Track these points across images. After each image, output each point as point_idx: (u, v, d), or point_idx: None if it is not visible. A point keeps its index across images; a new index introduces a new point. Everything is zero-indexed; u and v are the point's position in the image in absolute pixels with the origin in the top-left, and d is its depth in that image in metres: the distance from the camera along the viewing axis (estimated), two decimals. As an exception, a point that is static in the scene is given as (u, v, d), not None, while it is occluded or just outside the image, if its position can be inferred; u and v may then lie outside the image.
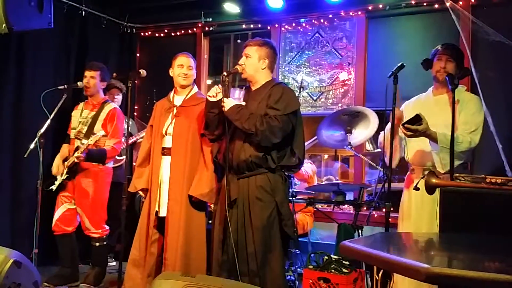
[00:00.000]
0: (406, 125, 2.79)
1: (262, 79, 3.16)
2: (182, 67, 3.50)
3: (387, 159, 2.90)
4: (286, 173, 3.17)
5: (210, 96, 3.09)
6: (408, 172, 3.21)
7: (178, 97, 3.56)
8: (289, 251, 3.83)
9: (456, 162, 2.88)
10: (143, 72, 3.57)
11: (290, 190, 3.72)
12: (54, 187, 4.03)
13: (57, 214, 4.10)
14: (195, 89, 3.62)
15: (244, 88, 3.24)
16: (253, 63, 3.13)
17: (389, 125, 3.05)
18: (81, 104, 4.31)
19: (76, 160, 3.91)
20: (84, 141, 3.94)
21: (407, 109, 3.17)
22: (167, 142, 3.47)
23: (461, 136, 2.88)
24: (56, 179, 4.05)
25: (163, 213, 3.41)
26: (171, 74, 3.57)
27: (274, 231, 3.00)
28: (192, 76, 3.55)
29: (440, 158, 2.86)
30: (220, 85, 3.07)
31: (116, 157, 4.42)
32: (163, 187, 3.43)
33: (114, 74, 3.53)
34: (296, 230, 3.85)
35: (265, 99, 3.06)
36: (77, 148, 3.95)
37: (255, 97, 3.12)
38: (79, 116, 4.21)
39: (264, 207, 2.99)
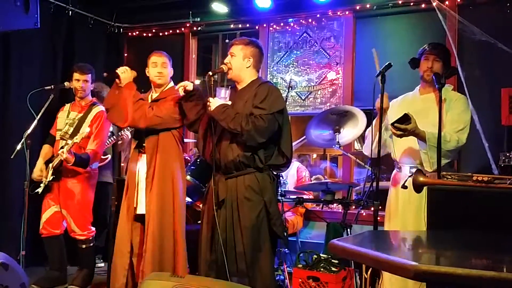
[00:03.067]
0: (395, 125, 2.80)
1: (247, 78, 3.15)
2: (156, 66, 3.46)
3: (367, 150, 2.94)
4: (275, 173, 3.17)
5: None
6: (395, 170, 3.23)
7: (155, 95, 3.52)
8: (278, 250, 3.84)
9: (444, 161, 2.90)
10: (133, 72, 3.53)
11: (279, 189, 3.72)
12: (40, 190, 3.95)
13: (44, 217, 4.05)
14: (171, 84, 3.57)
15: (230, 87, 3.23)
16: (237, 61, 3.12)
17: (375, 122, 3.07)
18: (67, 106, 4.25)
19: (62, 158, 3.80)
20: (70, 142, 3.89)
21: (394, 108, 3.18)
22: (143, 140, 3.45)
23: (449, 135, 2.90)
24: (41, 181, 3.99)
25: (141, 210, 3.41)
26: (147, 74, 3.53)
27: (263, 230, 2.99)
28: (167, 75, 3.51)
29: (428, 157, 2.87)
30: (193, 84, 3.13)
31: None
32: (141, 185, 3.44)
33: (105, 74, 3.43)
34: (286, 229, 3.86)
35: (251, 98, 3.04)
36: (62, 148, 3.85)
37: (242, 96, 3.11)
38: (66, 117, 4.16)
39: (252, 206, 2.98)
